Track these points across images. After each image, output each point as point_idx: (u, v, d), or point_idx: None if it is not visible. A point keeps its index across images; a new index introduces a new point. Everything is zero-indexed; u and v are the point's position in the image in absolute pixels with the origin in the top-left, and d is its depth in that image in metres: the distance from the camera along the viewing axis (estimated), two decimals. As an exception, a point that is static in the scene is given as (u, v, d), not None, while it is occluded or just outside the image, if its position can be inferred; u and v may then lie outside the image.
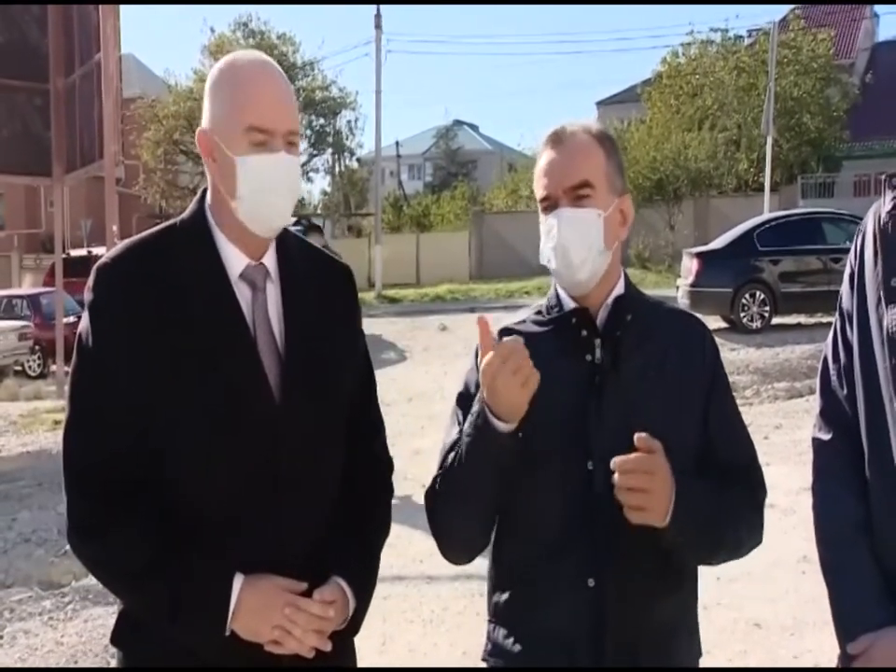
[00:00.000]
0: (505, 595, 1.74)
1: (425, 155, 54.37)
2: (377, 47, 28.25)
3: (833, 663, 1.71)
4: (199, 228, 1.67)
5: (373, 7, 28.46)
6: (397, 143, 51.45)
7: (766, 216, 16.41)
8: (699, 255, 14.22)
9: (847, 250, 1.80)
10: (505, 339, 1.54)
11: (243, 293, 1.65)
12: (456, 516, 1.67)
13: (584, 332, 1.69)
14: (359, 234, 35.53)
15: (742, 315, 13.67)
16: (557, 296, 1.77)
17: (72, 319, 14.24)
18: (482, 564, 1.79)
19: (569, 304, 1.74)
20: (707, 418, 1.71)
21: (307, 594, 1.59)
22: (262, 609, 1.56)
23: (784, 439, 8.26)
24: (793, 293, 13.66)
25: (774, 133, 24.52)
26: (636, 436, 1.52)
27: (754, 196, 26.81)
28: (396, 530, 1.91)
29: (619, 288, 1.75)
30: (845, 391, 1.71)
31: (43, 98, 12.65)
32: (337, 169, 36.46)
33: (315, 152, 33.50)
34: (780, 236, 14.00)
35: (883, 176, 1.75)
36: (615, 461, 1.51)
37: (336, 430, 1.72)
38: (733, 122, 30.40)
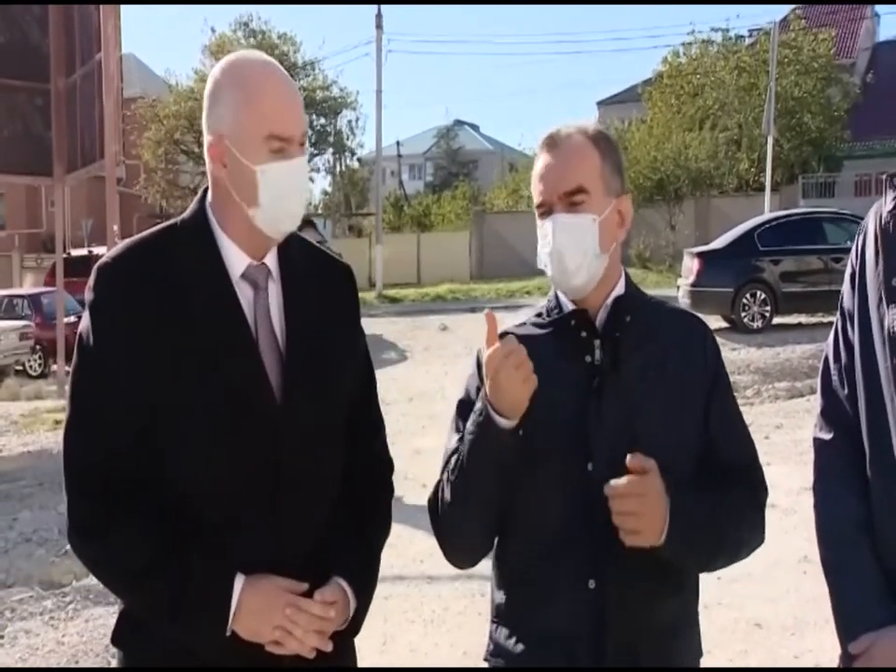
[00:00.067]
0: (506, 596, 1.75)
1: (425, 155, 54.38)
2: (378, 46, 28.30)
3: (833, 662, 1.71)
4: (200, 227, 1.67)
5: (374, 6, 28.57)
6: (397, 143, 51.49)
7: (767, 215, 16.42)
8: (700, 255, 14.22)
9: (848, 250, 1.80)
10: (505, 338, 1.55)
11: (244, 293, 1.65)
12: (459, 518, 1.67)
13: (584, 334, 1.69)
14: (360, 234, 35.58)
15: (743, 314, 13.67)
16: (557, 297, 1.77)
17: (73, 319, 14.24)
18: (483, 564, 1.79)
19: (569, 306, 1.74)
20: (709, 418, 1.71)
21: (308, 594, 1.59)
22: (263, 610, 1.56)
23: (785, 438, 8.26)
24: (794, 293, 13.66)
25: (775, 133, 24.53)
26: (628, 457, 1.53)
27: (755, 196, 26.82)
28: (396, 530, 1.91)
29: (619, 289, 1.75)
30: (846, 391, 1.71)
31: (44, 98, 12.67)
32: (338, 169, 36.47)
33: (315, 152, 33.44)
34: (781, 236, 14.00)
35: (884, 176, 1.75)
36: (607, 488, 1.53)
37: (336, 430, 1.72)
38: (734, 122, 30.39)
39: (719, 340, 1.85)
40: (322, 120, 33.13)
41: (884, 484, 1.63)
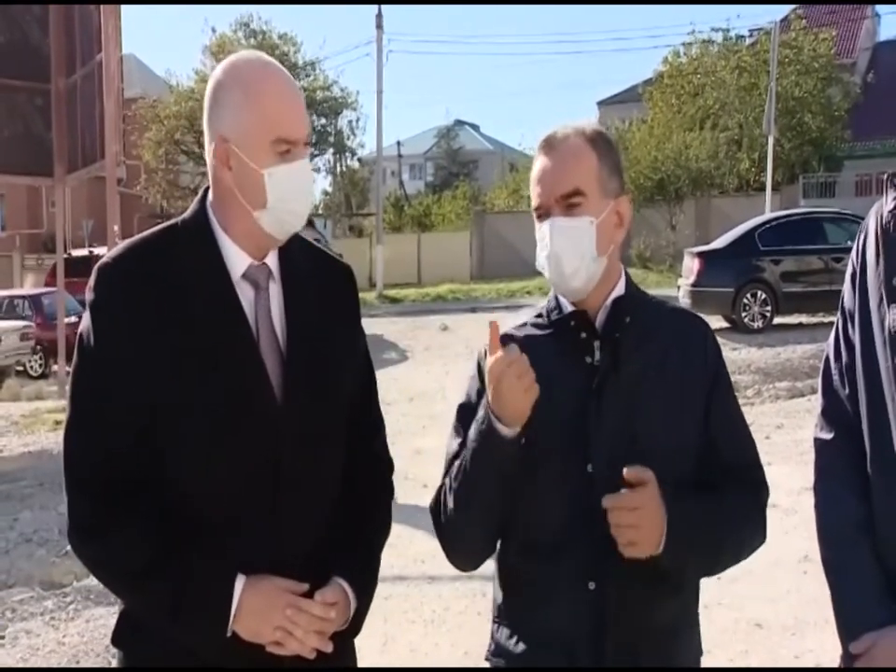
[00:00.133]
0: (508, 596, 1.75)
1: (426, 155, 54.41)
2: (378, 47, 28.32)
3: (834, 662, 1.71)
4: (200, 227, 1.67)
5: (375, 7, 28.60)
6: (398, 143, 51.48)
7: (768, 215, 16.42)
8: (700, 254, 14.22)
9: (849, 250, 1.80)
10: (507, 347, 1.55)
11: (245, 293, 1.65)
12: (462, 524, 1.68)
13: (583, 335, 1.69)
14: (361, 234, 35.58)
15: (743, 314, 13.67)
16: (557, 298, 1.77)
17: (73, 319, 14.23)
18: (484, 564, 1.79)
19: (568, 307, 1.74)
20: (709, 418, 1.71)
21: (308, 594, 1.59)
22: (264, 611, 1.55)
23: (785, 438, 8.26)
24: (795, 293, 13.66)
25: (775, 133, 24.51)
26: (625, 470, 1.54)
27: (755, 196, 26.81)
28: (396, 530, 1.91)
29: (619, 289, 1.75)
30: (846, 391, 1.71)
31: (44, 98, 12.66)
32: (338, 169, 36.48)
33: (316, 152, 33.40)
34: (782, 236, 14.00)
35: (885, 176, 1.75)
36: (605, 501, 1.54)
37: (337, 430, 1.72)
38: (734, 122, 30.38)
39: (719, 340, 1.85)
40: (323, 121, 33.12)
41: (885, 483, 1.63)
